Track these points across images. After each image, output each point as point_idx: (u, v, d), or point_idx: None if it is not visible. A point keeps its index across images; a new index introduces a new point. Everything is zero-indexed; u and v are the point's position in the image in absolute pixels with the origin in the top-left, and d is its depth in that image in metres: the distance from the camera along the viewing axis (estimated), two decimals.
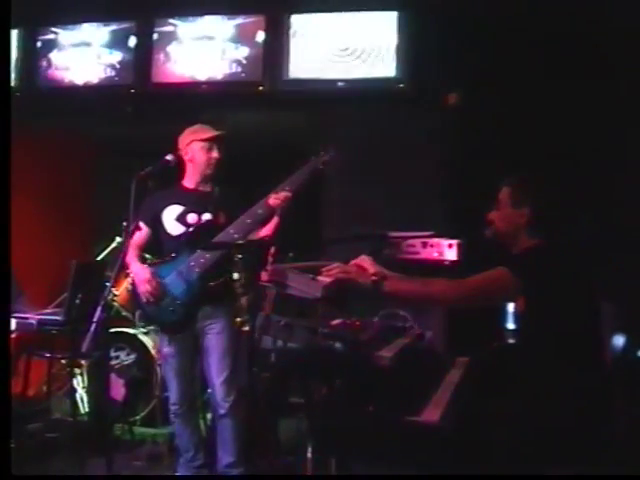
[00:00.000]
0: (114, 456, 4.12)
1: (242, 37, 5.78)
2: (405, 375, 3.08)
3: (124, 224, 5.04)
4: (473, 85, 5.43)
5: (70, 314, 4.88)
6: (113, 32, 6.10)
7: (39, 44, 6.24)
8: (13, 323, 4.82)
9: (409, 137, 5.59)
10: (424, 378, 3.28)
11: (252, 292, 3.46)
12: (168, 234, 4.32)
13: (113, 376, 5.57)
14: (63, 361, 5.43)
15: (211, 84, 5.87)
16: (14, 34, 6.17)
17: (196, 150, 4.32)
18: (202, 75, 5.89)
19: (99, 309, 3.62)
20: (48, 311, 5.34)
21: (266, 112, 6.00)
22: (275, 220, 4.13)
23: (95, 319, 3.61)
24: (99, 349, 4.34)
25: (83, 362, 5.69)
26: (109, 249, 6.04)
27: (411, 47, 5.46)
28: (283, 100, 5.79)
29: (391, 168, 5.65)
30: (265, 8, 5.80)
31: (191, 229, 4.26)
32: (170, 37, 5.95)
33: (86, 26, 6.18)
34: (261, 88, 5.74)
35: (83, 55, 6.17)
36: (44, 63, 6.23)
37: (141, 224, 4.32)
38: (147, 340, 5.68)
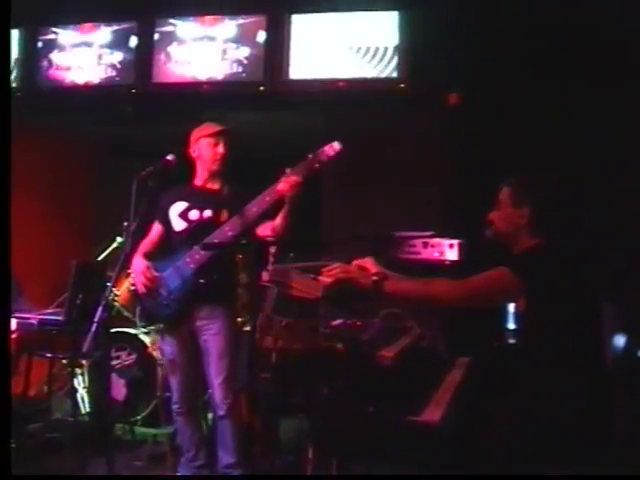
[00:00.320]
0: (115, 456, 4.13)
1: (243, 37, 5.79)
2: (406, 375, 3.08)
3: (125, 224, 5.08)
4: (474, 85, 5.43)
5: (71, 314, 4.89)
6: (114, 32, 6.10)
7: (40, 44, 6.25)
8: (14, 323, 4.82)
9: (410, 137, 5.59)
10: (425, 378, 3.29)
11: (253, 292, 3.46)
12: (173, 230, 4.34)
13: (114, 376, 5.57)
14: (64, 361, 5.42)
15: (212, 84, 5.87)
16: (15, 34, 6.17)
17: (203, 146, 4.34)
18: (203, 75, 5.89)
19: (100, 309, 3.62)
20: (49, 311, 5.35)
21: (267, 112, 6.00)
22: (284, 208, 4.09)
23: (96, 319, 3.61)
24: (100, 349, 4.34)
25: (84, 362, 5.69)
26: (110, 249, 6.04)
27: (412, 47, 5.47)
28: (284, 100, 5.79)
29: (392, 168, 5.66)
30: (266, 8, 5.80)
31: (191, 225, 4.27)
32: (171, 37, 5.95)
33: (87, 26, 6.19)
34: (262, 88, 5.74)
35: (84, 55, 6.17)
36: (45, 63, 6.24)
37: (155, 221, 4.42)
38: (148, 340, 5.68)
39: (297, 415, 4.29)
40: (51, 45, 6.23)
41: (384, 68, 5.53)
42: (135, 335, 5.73)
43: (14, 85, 6.14)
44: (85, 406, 5.69)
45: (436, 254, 5.10)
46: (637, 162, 5.24)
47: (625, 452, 2.87)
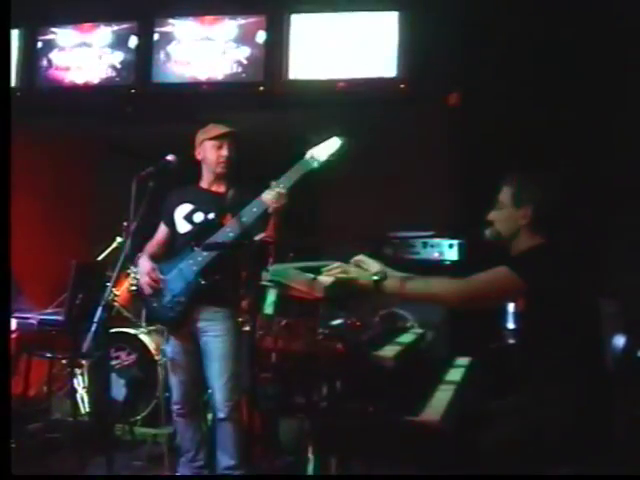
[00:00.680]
0: (114, 456, 4.13)
1: (243, 37, 5.78)
2: (405, 375, 3.08)
3: (124, 224, 5.08)
4: (474, 85, 5.43)
5: (71, 314, 4.89)
6: (114, 32, 6.09)
7: (40, 44, 6.24)
8: (14, 323, 4.82)
9: (410, 137, 5.59)
10: (424, 378, 3.29)
11: (253, 292, 3.45)
12: (177, 232, 4.33)
13: (114, 376, 5.57)
14: (64, 361, 5.42)
15: (211, 84, 5.87)
16: (15, 34, 6.17)
17: (207, 149, 4.32)
18: (203, 75, 5.89)
19: (100, 309, 3.62)
20: (49, 311, 5.35)
21: (267, 112, 5.99)
22: (272, 219, 4.09)
23: (96, 319, 3.61)
24: (100, 349, 4.34)
25: (84, 362, 5.68)
26: (109, 249, 6.03)
27: (412, 47, 5.46)
28: (284, 101, 5.79)
29: (392, 168, 5.66)
30: (266, 8, 5.79)
31: (195, 228, 4.26)
32: (170, 37, 5.95)
33: (87, 26, 6.18)
34: (262, 88, 5.74)
35: (84, 55, 6.16)
36: (45, 63, 6.23)
37: (161, 223, 4.42)
38: (148, 340, 5.68)
39: (297, 415, 4.29)
40: (51, 45, 6.22)
41: (384, 68, 5.53)
42: (135, 335, 5.73)
43: (14, 85, 6.13)
44: (85, 406, 5.69)
45: (436, 254, 5.11)
46: (638, 161, 5.24)
47: (625, 452, 2.87)
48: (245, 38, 5.78)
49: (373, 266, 3.04)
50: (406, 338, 3.68)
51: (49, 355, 5.17)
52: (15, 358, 4.98)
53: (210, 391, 4.43)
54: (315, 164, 3.99)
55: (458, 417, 2.84)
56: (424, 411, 2.82)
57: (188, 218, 4.31)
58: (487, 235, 3.08)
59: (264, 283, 3.12)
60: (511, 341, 4.54)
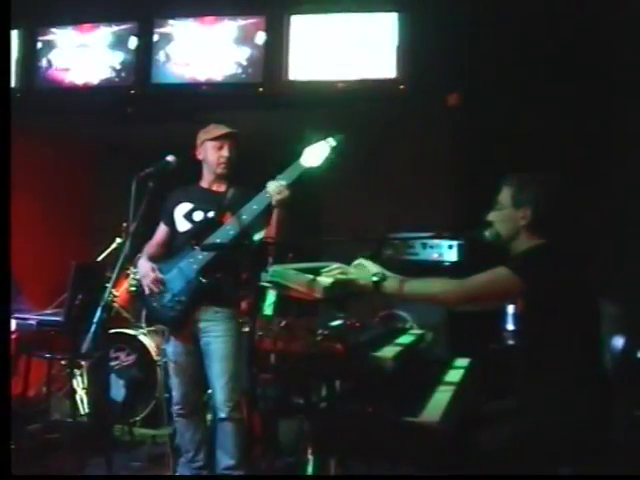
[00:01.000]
0: (114, 457, 4.13)
1: (242, 38, 5.78)
2: (405, 376, 3.08)
3: (124, 225, 5.08)
4: (474, 86, 5.43)
5: (70, 315, 4.88)
6: (113, 33, 6.09)
7: (39, 45, 6.24)
8: (13, 324, 4.82)
9: (409, 138, 5.59)
10: (424, 379, 3.29)
11: (253, 293, 3.45)
12: (177, 231, 4.34)
13: (113, 377, 5.57)
14: (63, 362, 5.42)
15: (211, 85, 5.87)
16: (14, 34, 6.17)
17: (208, 149, 4.33)
18: (202, 76, 5.88)
19: (99, 310, 3.62)
20: (48, 312, 5.36)
21: (266, 113, 5.99)
22: (274, 215, 4.09)
23: (95, 320, 3.61)
24: (99, 350, 4.35)
25: (83, 363, 5.69)
26: (109, 250, 6.04)
27: (411, 48, 5.46)
28: (283, 101, 5.79)
29: (391, 169, 5.66)
30: (265, 9, 5.79)
31: (195, 226, 4.27)
32: (170, 38, 5.95)
33: (86, 27, 6.18)
34: (261, 89, 5.74)
35: (83, 56, 6.16)
36: (44, 64, 6.23)
37: (161, 222, 4.42)
38: (147, 341, 5.68)
39: (296, 416, 4.29)
40: (50, 46, 6.22)
41: (383, 69, 5.53)
42: (134, 336, 5.73)
43: (14, 86, 6.13)
44: (84, 407, 5.69)
45: (435, 255, 5.11)
46: (637, 161, 5.24)
47: (625, 453, 2.87)
48: (244, 39, 5.78)
49: (372, 266, 3.04)
50: (405, 339, 3.68)
51: (48, 356, 5.16)
52: (15, 359, 4.98)
53: (210, 391, 4.43)
54: (313, 164, 4.00)
55: (457, 418, 2.84)
56: (423, 412, 2.82)
57: (188, 217, 4.31)
58: (487, 236, 3.08)
59: (263, 284, 3.12)
60: (510, 342, 4.54)
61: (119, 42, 6.07)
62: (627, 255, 5.08)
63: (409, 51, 5.46)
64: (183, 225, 4.31)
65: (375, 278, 2.97)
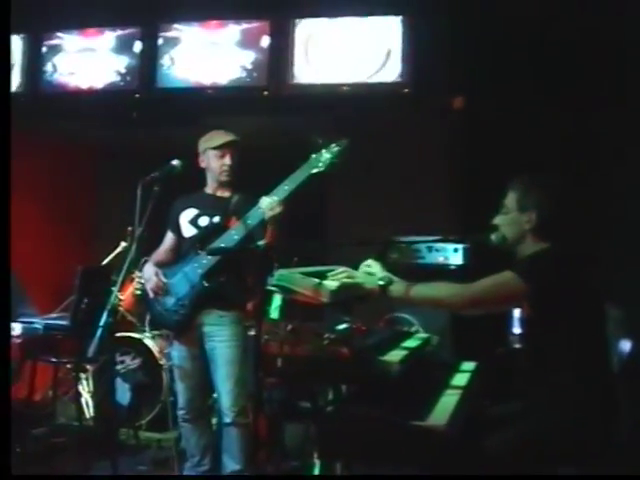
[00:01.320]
0: (119, 460, 4.13)
1: (247, 42, 5.79)
2: (411, 380, 3.07)
3: (129, 229, 5.08)
4: (479, 89, 5.43)
5: (76, 319, 4.88)
6: (118, 37, 6.11)
7: (44, 49, 6.25)
8: (19, 328, 4.82)
9: (415, 141, 5.59)
10: (430, 383, 3.28)
11: (258, 297, 3.45)
12: (183, 237, 4.34)
13: (118, 380, 5.57)
14: (69, 366, 5.42)
15: (216, 89, 5.88)
16: (19, 39, 6.18)
17: (210, 157, 4.34)
18: (207, 80, 5.90)
19: (105, 314, 3.63)
20: (54, 316, 5.35)
21: (271, 117, 6.00)
22: (268, 230, 4.09)
23: (101, 324, 3.62)
24: (105, 354, 4.35)
25: (88, 367, 5.69)
26: (114, 254, 6.04)
27: (416, 51, 5.46)
28: (288, 105, 5.79)
29: (397, 172, 5.66)
30: (270, 13, 5.80)
31: (200, 231, 4.27)
32: (175, 42, 5.96)
33: (91, 31, 6.19)
34: (266, 93, 5.74)
35: (88, 60, 6.18)
36: (49, 68, 6.24)
37: (168, 231, 4.44)
38: (152, 344, 5.69)
39: (302, 420, 4.29)
40: (55, 50, 6.23)
41: (388, 73, 5.53)
42: (139, 339, 5.73)
43: (19, 90, 6.15)
44: (90, 410, 5.69)
45: (441, 258, 5.10)
46: None
47: (631, 456, 2.87)
48: (249, 43, 5.79)
49: (378, 271, 3.04)
50: (411, 343, 3.67)
51: (54, 360, 5.16)
52: (21, 363, 4.99)
53: (215, 395, 4.43)
54: (319, 168, 4.00)
55: (464, 422, 2.84)
56: (430, 416, 2.81)
57: (193, 222, 4.32)
58: (492, 239, 3.07)
59: (269, 288, 3.13)
60: (517, 345, 4.53)
61: (124, 46, 6.09)
62: (631, 258, 5.07)
63: (414, 55, 5.46)
64: (189, 231, 4.32)
65: (381, 282, 2.97)
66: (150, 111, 6.08)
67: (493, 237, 3.07)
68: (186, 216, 4.34)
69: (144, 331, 5.82)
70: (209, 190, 4.41)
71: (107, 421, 5.33)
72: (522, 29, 5.37)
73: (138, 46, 6.05)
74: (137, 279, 5.59)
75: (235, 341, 4.20)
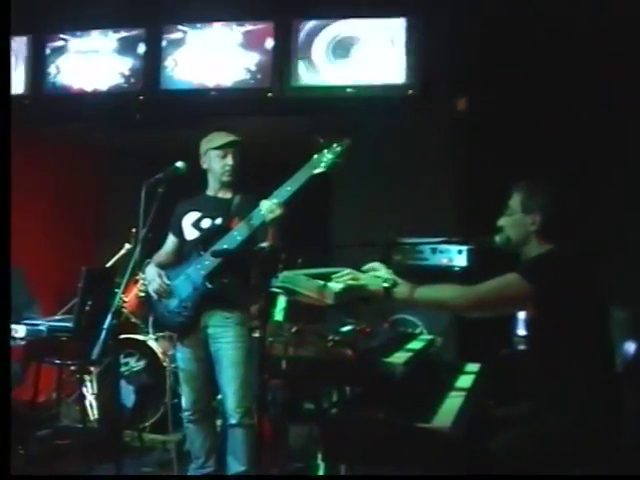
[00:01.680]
0: (123, 463, 4.13)
1: (251, 44, 5.79)
2: (416, 382, 3.07)
3: (133, 230, 5.09)
4: (483, 90, 5.43)
5: (80, 321, 4.88)
6: (122, 39, 6.10)
7: (48, 51, 6.25)
8: (23, 330, 4.82)
9: (419, 143, 5.58)
10: (435, 384, 3.28)
11: (263, 299, 3.45)
12: (185, 239, 4.35)
13: (122, 382, 5.57)
14: (72, 368, 5.43)
15: (220, 91, 5.88)
16: (23, 40, 6.18)
17: (212, 158, 4.35)
18: (210, 82, 5.89)
19: (109, 316, 3.63)
20: (57, 318, 5.36)
21: (275, 118, 6.00)
22: (269, 232, 4.09)
23: (105, 326, 3.62)
24: (109, 356, 4.35)
25: (92, 369, 5.69)
26: (118, 256, 6.04)
27: (420, 53, 5.46)
28: (292, 106, 5.79)
29: (401, 174, 5.65)
30: (274, 15, 5.80)
31: (203, 233, 4.27)
32: (179, 44, 5.96)
33: (95, 33, 6.19)
34: (270, 94, 5.74)
35: (92, 62, 6.17)
36: (53, 70, 6.24)
37: (169, 234, 4.45)
38: (156, 346, 5.69)
39: (307, 422, 4.28)
40: (59, 52, 6.23)
41: (392, 74, 5.53)
42: (143, 342, 5.74)
43: (23, 92, 6.15)
44: (94, 412, 5.70)
45: (445, 260, 5.10)
46: None
47: (634, 457, 2.86)
48: (253, 44, 5.79)
49: (385, 273, 3.04)
50: (416, 344, 3.67)
51: (58, 362, 5.16)
52: (25, 365, 4.99)
53: (220, 397, 4.43)
54: (320, 168, 4.00)
55: (469, 424, 2.83)
56: (435, 418, 2.81)
57: (196, 225, 4.33)
58: (497, 241, 3.08)
59: (274, 289, 3.12)
60: (521, 347, 4.52)
61: (128, 48, 6.08)
62: (634, 259, 5.07)
63: (418, 56, 5.46)
64: (191, 233, 4.33)
65: (386, 284, 2.97)
66: (154, 113, 6.08)
67: (497, 238, 3.08)
68: (189, 219, 4.34)
69: (148, 333, 5.83)
70: (210, 192, 4.41)
71: (111, 423, 5.33)
72: (525, 30, 5.37)
73: (142, 48, 6.04)
74: (141, 281, 5.59)
75: (240, 342, 4.20)
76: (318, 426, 3.35)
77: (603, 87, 5.26)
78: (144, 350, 5.73)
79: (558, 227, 2.97)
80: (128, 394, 5.62)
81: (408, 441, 2.70)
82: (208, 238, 4.21)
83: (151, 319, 5.54)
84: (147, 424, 5.54)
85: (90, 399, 5.71)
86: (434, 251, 5.08)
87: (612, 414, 2.82)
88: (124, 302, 5.79)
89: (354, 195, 5.77)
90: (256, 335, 4.16)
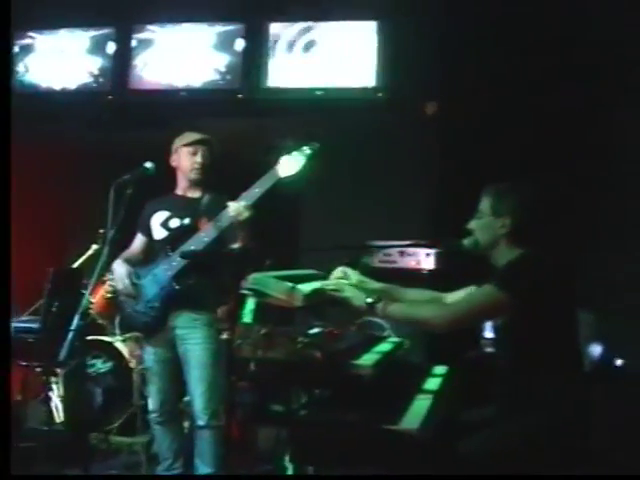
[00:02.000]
0: (90, 465, 4.09)
1: (221, 45, 5.79)
2: (383, 384, 3.08)
3: (101, 231, 5.05)
4: (452, 94, 5.46)
5: (46, 322, 4.84)
6: (91, 38, 6.07)
7: (16, 49, 6.20)
8: None
9: (388, 146, 5.60)
10: (402, 387, 3.29)
11: (232, 300, 3.45)
12: (153, 239, 4.33)
13: (89, 384, 5.53)
14: (38, 369, 5.37)
15: (189, 91, 5.86)
16: None
17: (181, 155, 4.33)
18: (180, 82, 5.88)
19: (76, 317, 3.60)
20: (24, 318, 5.31)
21: (244, 120, 5.99)
22: (238, 234, 4.09)
23: (72, 327, 3.59)
24: (76, 357, 4.31)
25: (59, 370, 5.63)
26: (85, 256, 5.99)
27: (390, 56, 5.48)
28: (262, 108, 5.79)
29: (370, 177, 5.67)
30: (245, 16, 5.80)
31: (171, 233, 4.26)
32: (149, 44, 5.94)
33: (64, 31, 6.15)
34: (240, 96, 5.73)
35: (60, 61, 6.13)
36: (21, 69, 6.19)
37: (138, 233, 4.41)
38: (123, 348, 5.65)
39: (275, 423, 4.28)
40: (28, 50, 6.19)
41: (362, 77, 5.55)
42: (111, 343, 5.69)
43: None
44: (60, 415, 5.64)
45: (413, 263, 5.12)
46: (617, 170, 5.29)
47: (604, 459, 2.89)
48: (223, 46, 5.79)
49: (356, 278, 3.06)
50: (384, 347, 3.69)
51: (24, 363, 5.11)
52: None
53: (188, 398, 4.41)
54: (288, 172, 4.00)
55: (436, 426, 2.85)
56: (402, 420, 2.82)
57: (164, 225, 4.31)
58: (466, 244, 3.09)
59: (243, 291, 3.12)
60: (489, 350, 4.55)
61: (97, 47, 6.06)
62: (603, 262, 5.12)
63: (388, 59, 5.49)
64: (160, 233, 4.31)
65: (369, 300, 2.98)
66: (123, 113, 6.05)
67: (466, 242, 3.09)
68: (157, 219, 4.32)
69: (115, 334, 5.78)
70: (179, 191, 4.40)
71: (78, 425, 5.29)
72: (498, 32, 5.40)
73: (111, 47, 6.01)
74: (109, 282, 5.55)
75: (208, 344, 4.18)
76: (286, 428, 3.36)
77: (573, 88, 5.31)
78: (111, 352, 5.68)
79: (528, 231, 2.99)
80: (95, 396, 5.57)
81: (376, 443, 2.71)
82: (176, 238, 4.19)
83: (118, 319, 5.50)
84: (114, 426, 5.50)
85: (56, 401, 5.64)
86: (402, 254, 5.10)
87: (579, 415, 2.84)
88: (91, 303, 5.73)
89: (323, 197, 5.78)
90: (224, 337, 4.16)
